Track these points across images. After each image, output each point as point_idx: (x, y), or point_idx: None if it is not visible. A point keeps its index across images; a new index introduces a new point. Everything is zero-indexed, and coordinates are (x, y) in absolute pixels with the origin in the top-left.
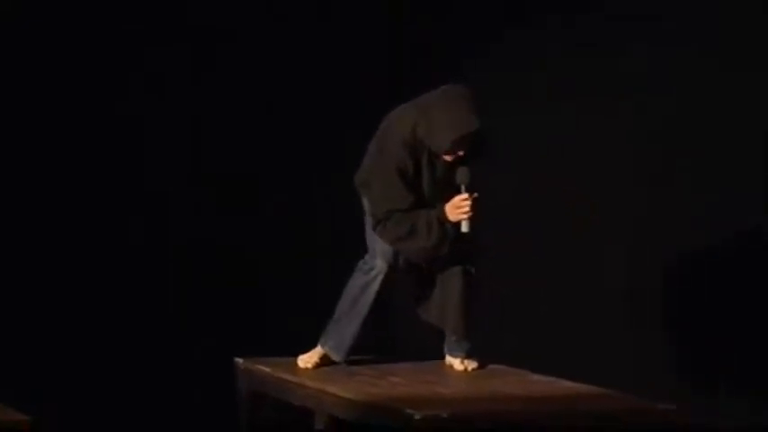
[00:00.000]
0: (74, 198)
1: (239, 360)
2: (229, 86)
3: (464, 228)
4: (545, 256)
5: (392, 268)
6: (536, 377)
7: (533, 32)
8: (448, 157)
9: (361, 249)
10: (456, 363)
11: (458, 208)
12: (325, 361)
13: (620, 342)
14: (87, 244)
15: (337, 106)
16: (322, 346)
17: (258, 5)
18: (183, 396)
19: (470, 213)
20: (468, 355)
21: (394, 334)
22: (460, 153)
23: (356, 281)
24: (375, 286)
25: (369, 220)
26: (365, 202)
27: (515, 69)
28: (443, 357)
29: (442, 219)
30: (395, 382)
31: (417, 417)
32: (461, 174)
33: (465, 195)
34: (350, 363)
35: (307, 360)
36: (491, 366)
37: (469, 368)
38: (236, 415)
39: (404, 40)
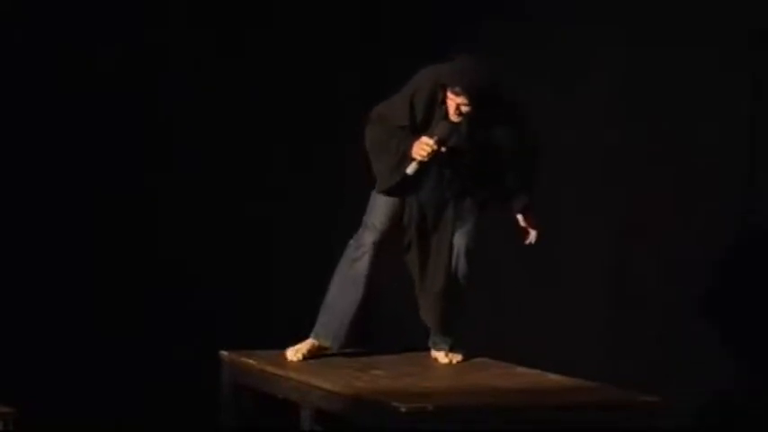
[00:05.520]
0: (59, 196)
1: (224, 353)
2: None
3: (409, 169)
4: (529, 248)
5: (380, 245)
6: (521, 370)
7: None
8: (453, 112)
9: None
10: (440, 356)
11: (419, 147)
12: (314, 352)
13: (604, 335)
14: (71, 238)
15: (329, 95)
16: (314, 337)
17: None
18: (167, 388)
19: (423, 159)
20: (453, 348)
21: (378, 325)
22: (463, 107)
23: (345, 261)
24: (364, 264)
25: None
26: None
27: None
28: (428, 350)
29: (408, 151)
30: (380, 375)
31: (403, 409)
32: (440, 126)
33: (432, 141)
34: (334, 355)
35: (295, 351)
36: (476, 359)
37: (454, 361)
38: (220, 407)
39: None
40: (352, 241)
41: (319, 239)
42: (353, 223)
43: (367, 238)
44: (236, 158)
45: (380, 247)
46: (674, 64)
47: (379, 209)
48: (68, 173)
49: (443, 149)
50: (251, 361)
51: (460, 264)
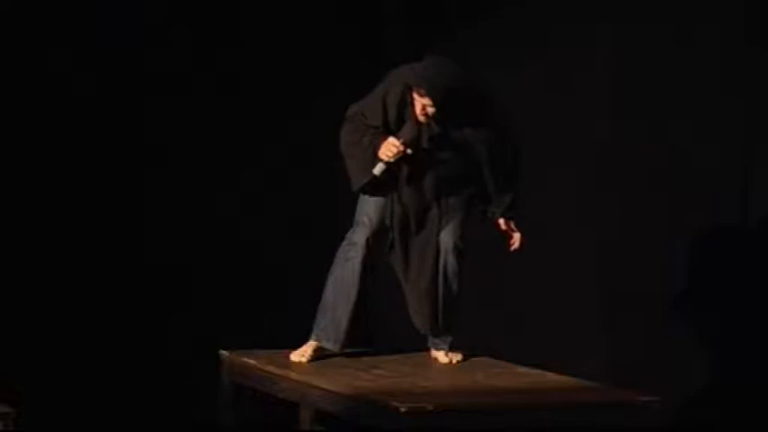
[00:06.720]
0: (58, 196)
1: (224, 353)
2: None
3: (376, 169)
4: (527, 248)
5: (372, 242)
6: (521, 370)
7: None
8: (419, 112)
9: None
10: (440, 355)
11: (385, 148)
12: (318, 353)
13: (604, 335)
14: (71, 238)
15: (329, 95)
16: (315, 339)
17: None
18: (168, 388)
19: (389, 159)
20: (453, 348)
21: (378, 325)
22: (428, 108)
23: (338, 261)
24: (357, 262)
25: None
26: None
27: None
28: (428, 350)
29: (377, 149)
30: (379, 375)
31: (403, 409)
32: (407, 128)
33: (398, 142)
34: (334, 355)
35: (300, 354)
36: (476, 359)
37: (454, 360)
38: (220, 407)
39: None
40: (344, 241)
41: (319, 239)
42: (353, 223)
43: (359, 236)
44: (236, 159)
45: (373, 245)
46: (674, 64)
47: (369, 207)
48: (68, 173)
49: (410, 151)
50: (251, 361)
51: (449, 261)
